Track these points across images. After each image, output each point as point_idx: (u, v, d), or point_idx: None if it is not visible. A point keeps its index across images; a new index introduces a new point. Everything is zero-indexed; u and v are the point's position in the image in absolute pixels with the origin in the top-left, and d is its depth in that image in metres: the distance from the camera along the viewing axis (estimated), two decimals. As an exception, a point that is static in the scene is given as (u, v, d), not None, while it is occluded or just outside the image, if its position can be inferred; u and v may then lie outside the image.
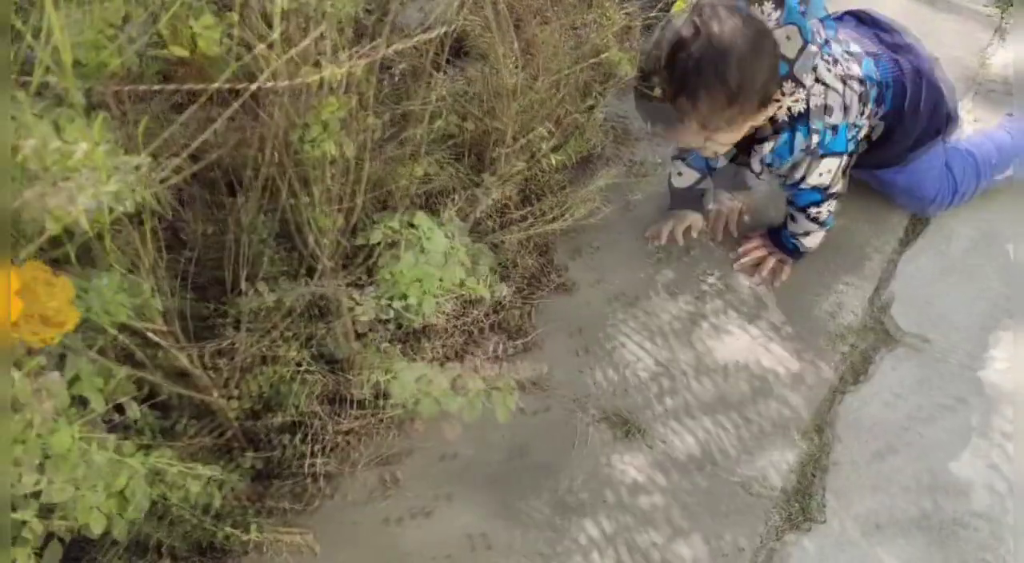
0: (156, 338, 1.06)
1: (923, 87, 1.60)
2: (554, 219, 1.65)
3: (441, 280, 0.82)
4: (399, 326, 1.52)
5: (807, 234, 1.62)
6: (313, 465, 1.39)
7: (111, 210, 0.62)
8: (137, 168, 0.58)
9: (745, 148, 1.54)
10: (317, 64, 0.95)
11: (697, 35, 1.37)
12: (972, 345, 1.54)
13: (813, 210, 1.59)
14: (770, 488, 1.38)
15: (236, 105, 0.72)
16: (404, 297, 0.84)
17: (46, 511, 0.79)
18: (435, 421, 1.47)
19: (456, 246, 0.82)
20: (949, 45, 2.07)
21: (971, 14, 2.17)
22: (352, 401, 1.44)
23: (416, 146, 1.37)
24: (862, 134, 1.60)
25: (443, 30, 1.09)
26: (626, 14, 1.96)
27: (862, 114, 1.56)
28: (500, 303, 1.61)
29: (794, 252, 1.65)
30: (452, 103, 1.58)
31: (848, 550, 1.32)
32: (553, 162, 1.50)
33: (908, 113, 1.60)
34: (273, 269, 1.32)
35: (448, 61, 1.90)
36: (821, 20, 1.51)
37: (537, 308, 1.62)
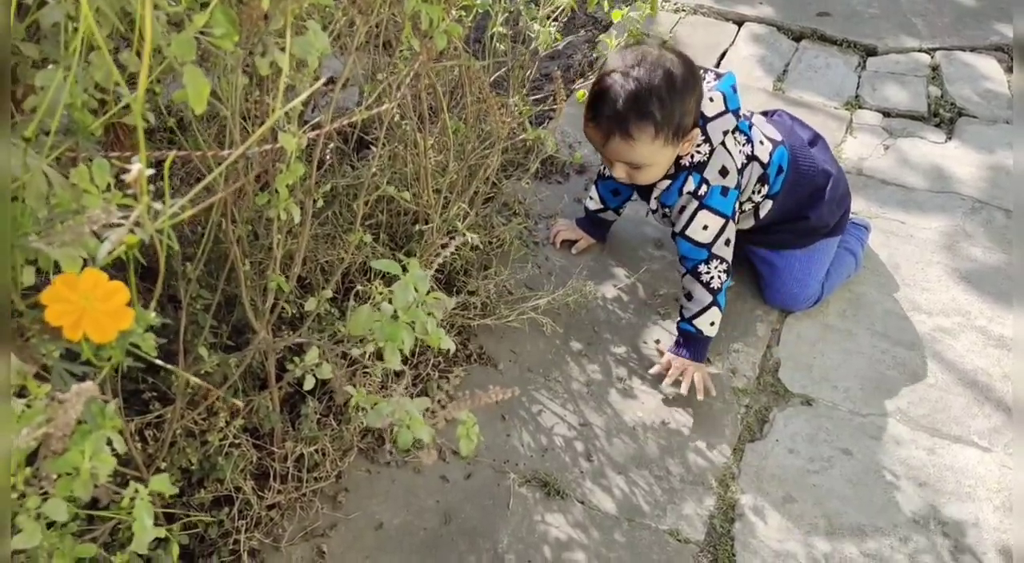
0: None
1: (830, 182, 1.80)
2: (483, 316, 1.73)
3: (412, 324, 0.88)
4: (330, 397, 1.55)
5: (702, 312, 1.65)
6: (238, 541, 1.37)
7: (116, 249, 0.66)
8: (149, 210, 0.63)
9: (648, 186, 1.73)
10: (274, 133, 1.02)
11: (622, 80, 1.56)
12: (852, 401, 1.69)
13: (703, 270, 1.67)
14: (685, 540, 1.46)
15: (225, 164, 0.77)
16: (374, 345, 0.89)
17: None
18: (364, 492, 1.49)
19: (422, 297, 0.88)
20: (808, 139, 2.33)
21: (825, 112, 2.44)
22: (277, 474, 1.44)
23: (347, 221, 1.44)
24: (748, 207, 1.78)
25: (382, 109, 1.17)
26: (536, 100, 2.13)
27: (757, 192, 1.74)
28: (419, 376, 1.66)
29: (696, 343, 1.67)
30: (375, 186, 1.65)
31: (760, 594, 1.40)
32: (472, 240, 1.59)
33: (811, 201, 1.79)
34: (205, 342, 1.33)
35: (356, 150, 2.00)
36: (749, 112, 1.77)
37: (455, 382, 1.68)
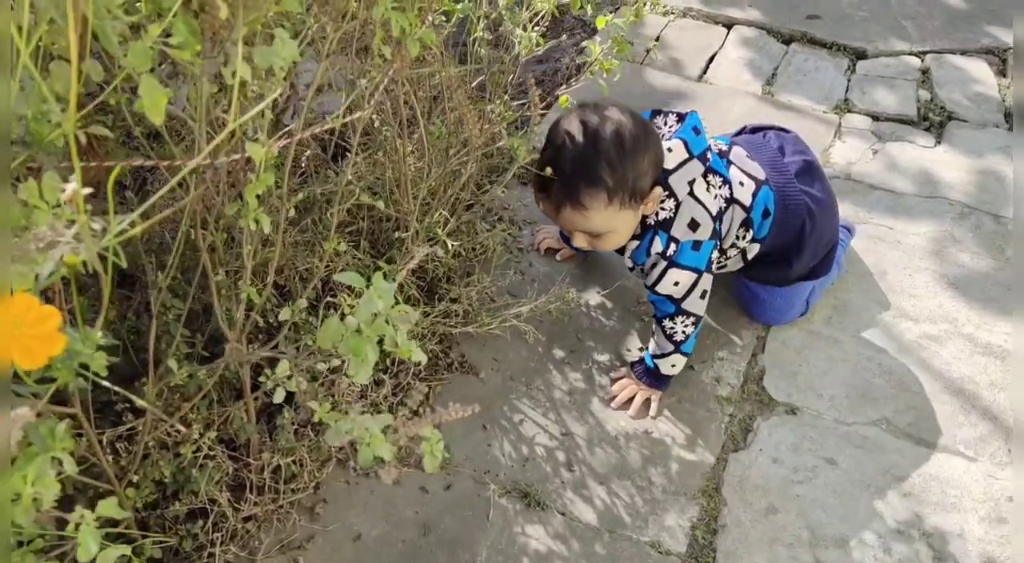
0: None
1: (816, 221, 1.67)
2: (464, 324, 1.71)
3: (380, 340, 0.86)
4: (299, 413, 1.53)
5: (664, 356, 1.64)
6: (214, 554, 1.36)
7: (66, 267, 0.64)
8: (99, 226, 0.61)
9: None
10: (240, 143, 1.00)
11: (567, 148, 1.48)
12: (837, 409, 1.68)
13: (668, 324, 1.62)
14: (667, 551, 1.45)
15: (181, 176, 0.75)
16: (337, 358, 0.87)
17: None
18: (343, 504, 1.47)
19: (389, 309, 0.87)
20: (796, 144, 2.31)
21: (812, 116, 2.42)
22: (253, 486, 1.43)
23: (326, 228, 1.42)
24: (734, 253, 1.69)
25: (356, 117, 1.16)
26: (520, 105, 2.11)
27: (741, 238, 1.65)
28: (399, 385, 1.64)
29: (656, 377, 1.66)
30: (350, 193, 1.63)
31: (742, 606, 1.39)
32: (450, 247, 1.57)
33: (798, 243, 1.67)
34: (178, 352, 1.31)
35: (337, 157, 1.98)
36: (727, 142, 1.67)
37: (436, 390, 1.66)
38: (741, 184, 1.62)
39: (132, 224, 0.66)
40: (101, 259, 0.66)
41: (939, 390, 1.72)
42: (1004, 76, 2.61)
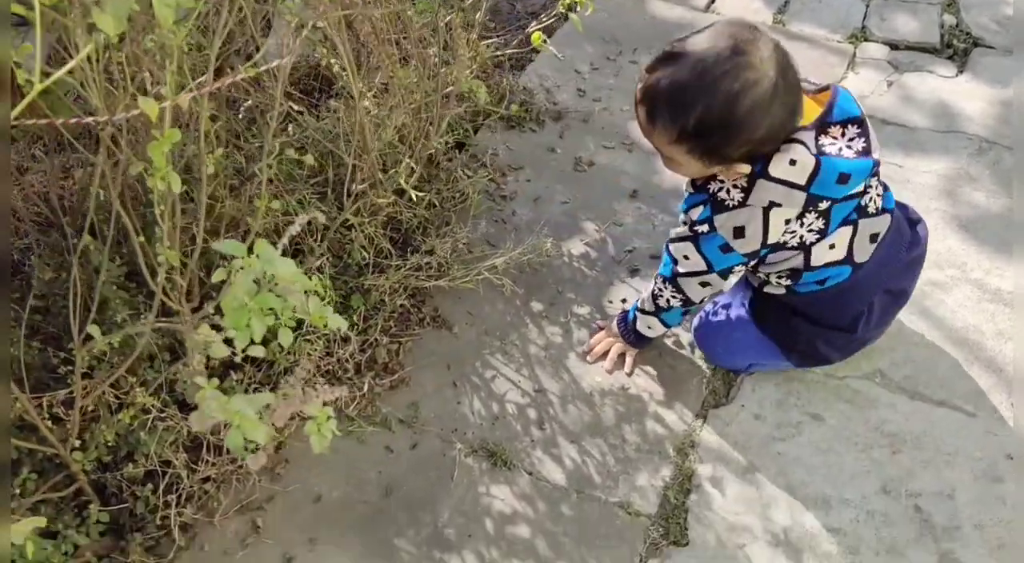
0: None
1: (847, 333, 1.47)
2: (438, 277, 1.65)
3: (273, 310, 0.81)
4: (270, 364, 1.49)
5: (646, 313, 1.52)
6: (168, 516, 1.34)
7: None
8: None
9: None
10: (134, 98, 0.94)
11: (691, 63, 1.20)
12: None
13: (659, 283, 1.48)
14: (636, 512, 1.39)
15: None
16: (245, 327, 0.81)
17: None
18: (305, 464, 1.44)
19: (288, 274, 0.81)
20: (805, 74, 2.16)
21: (825, 46, 2.27)
22: (211, 447, 1.40)
23: (293, 179, 1.35)
24: (755, 282, 1.51)
25: (280, 62, 1.08)
26: (493, 46, 2.00)
27: (777, 280, 1.43)
28: (368, 341, 1.59)
29: (635, 334, 1.56)
30: (311, 140, 1.57)
31: (712, 570, 1.33)
32: (414, 198, 1.50)
33: (815, 324, 1.47)
34: (114, 313, 1.28)
35: (316, 101, 1.91)
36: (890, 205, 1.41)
37: (406, 346, 1.61)
38: (832, 247, 1.36)
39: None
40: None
41: (941, 340, 1.62)
42: (1039, -4, 2.41)
